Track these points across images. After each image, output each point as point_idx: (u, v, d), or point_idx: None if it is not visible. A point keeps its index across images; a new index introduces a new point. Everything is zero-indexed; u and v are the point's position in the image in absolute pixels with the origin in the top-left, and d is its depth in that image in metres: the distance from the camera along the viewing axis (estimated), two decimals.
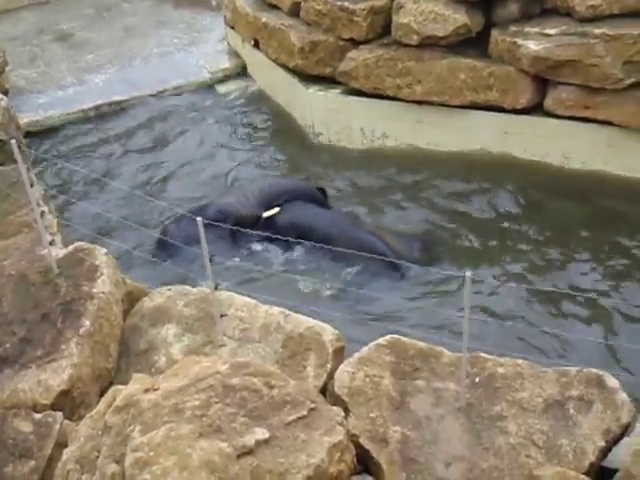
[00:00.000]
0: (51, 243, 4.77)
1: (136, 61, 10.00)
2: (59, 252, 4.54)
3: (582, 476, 3.13)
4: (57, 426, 3.65)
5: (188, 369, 3.42)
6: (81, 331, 4.02)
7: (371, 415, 3.46)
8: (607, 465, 3.40)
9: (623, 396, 3.46)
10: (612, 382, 3.51)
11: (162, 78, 9.39)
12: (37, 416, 3.70)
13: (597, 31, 6.61)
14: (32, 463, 3.53)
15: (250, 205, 6.56)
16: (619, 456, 3.36)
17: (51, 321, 4.11)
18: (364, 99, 7.90)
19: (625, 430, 3.42)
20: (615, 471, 3.31)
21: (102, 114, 8.85)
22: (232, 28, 9.77)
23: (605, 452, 3.37)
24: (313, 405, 3.22)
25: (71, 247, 4.56)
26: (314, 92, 8.12)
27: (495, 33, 7.19)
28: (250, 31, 9.04)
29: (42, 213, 5.23)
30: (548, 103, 7.12)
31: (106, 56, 10.13)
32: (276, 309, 4.18)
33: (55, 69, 9.89)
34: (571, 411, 3.44)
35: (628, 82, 6.61)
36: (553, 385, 3.53)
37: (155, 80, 9.34)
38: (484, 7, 7.23)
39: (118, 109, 8.92)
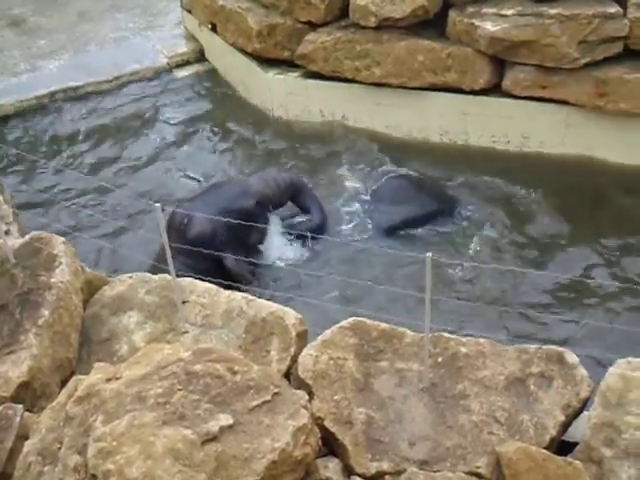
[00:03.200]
0: (7, 233, 4.68)
1: (91, 46, 9.78)
2: (15, 242, 4.45)
3: (543, 450, 3.19)
4: (18, 418, 3.59)
5: (150, 357, 3.39)
6: (40, 322, 3.95)
7: (335, 397, 3.46)
8: (568, 439, 3.47)
9: (582, 371, 3.52)
10: (572, 358, 3.56)
11: (118, 63, 9.19)
12: None
13: (552, 11, 6.66)
14: None
15: (280, 194, 6.55)
16: (579, 430, 3.43)
17: (9, 312, 4.04)
18: (323, 82, 7.86)
19: (584, 404, 3.48)
20: (575, 444, 3.38)
21: (57, 101, 8.67)
22: (189, 12, 9.63)
23: (565, 426, 3.43)
24: (277, 389, 3.22)
25: (27, 237, 4.47)
26: (273, 76, 8.06)
27: (453, 14, 7.20)
28: (207, 14, 8.92)
29: None
30: (506, 84, 7.17)
31: (60, 41, 9.89)
32: (238, 294, 4.17)
33: (7, 55, 9.65)
34: (532, 387, 3.49)
35: (584, 61, 6.68)
36: (514, 362, 3.58)
37: (110, 65, 9.15)
38: None
39: (73, 95, 8.75)
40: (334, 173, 7.26)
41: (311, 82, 7.92)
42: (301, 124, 8.04)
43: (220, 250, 5.63)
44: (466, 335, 3.76)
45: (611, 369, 3.45)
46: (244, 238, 6.07)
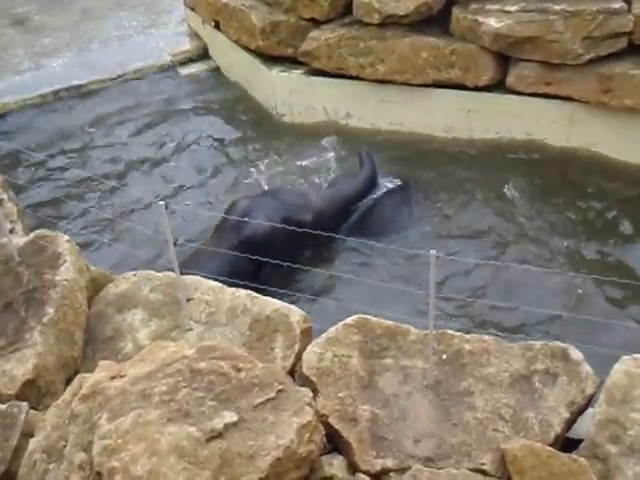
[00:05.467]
0: (11, 231, 4.69)
1: (94, 44, 9.81)
2: (20, 240, 4.46)
3: (548, 447, 3.18)
4: (23, 416, 3.60)
5: (155, 354, 3.40)
6: (45, 319, 3.95)
7: (340, 395, 3.47)
8: (573, 436, 3.47)
9: (587, 368, 3.51)
10: (576, 355, 3.56)
11: (121, 61, 9.22)
12: (2, 407, 3.64)
13: (557, 7, 6.65)
14: None
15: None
16: (584, 426, 3.43)
17: (14, 310, 4.05)
18: (327, 79, 7.85)
19: (589, 401, 3.48)
20: (580, 441, 3.37)
21: (60, 99, 8.69)
22: (192, 9, 9.64)
23: (570, 423, 3.43)
24: (281, 387, 3.22)
25: (32, 235, 4.48)
26: (277, 73, 8.05)
27: (456, 11, 7.19)
28: (210, 12, 8.92)
29: (1, 201, 5.15)
30: (510, 80, 7.15)
31: (64, 40, 9.92)
32: (242, 292, 4.16)
33: (12, 54, 9.67)
34: (537, 384, 3.48)
35: (588, 57, 6.66)
36: (519, 360, 3.58)
37: (114, 63, 9.17)
38: None
39: (77, 94, 8.77)
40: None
41: (315, 79, 7.91)
42: (305, 122, 8.03)
43: (271, 254, 5.30)
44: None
45: (616, 366, 3.44)
46: (293, 251, 5.78)
